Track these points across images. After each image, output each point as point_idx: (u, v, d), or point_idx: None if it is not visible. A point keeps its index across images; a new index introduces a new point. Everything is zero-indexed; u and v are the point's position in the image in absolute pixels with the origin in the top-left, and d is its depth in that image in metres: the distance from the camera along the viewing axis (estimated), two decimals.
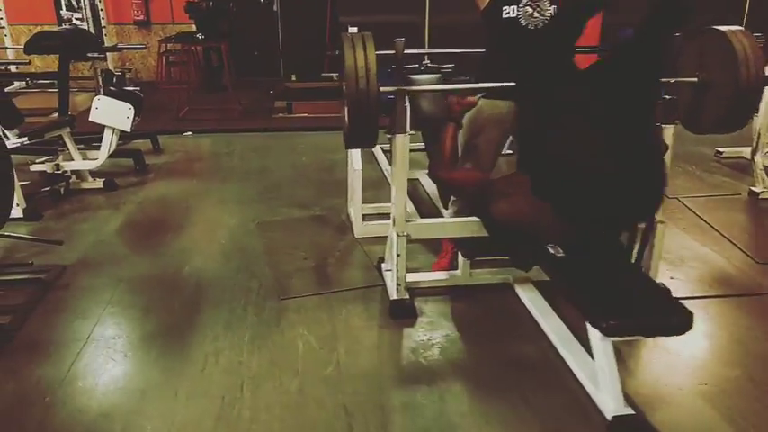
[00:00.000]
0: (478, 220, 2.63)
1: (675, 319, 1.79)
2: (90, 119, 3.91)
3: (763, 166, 4.14)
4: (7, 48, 6.88)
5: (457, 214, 2.95)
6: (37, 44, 4.30)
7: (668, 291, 2.36)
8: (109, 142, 3.97)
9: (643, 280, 2.23)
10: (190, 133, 5.75)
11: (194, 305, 2.73)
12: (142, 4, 7.96)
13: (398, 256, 2.60)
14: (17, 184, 3.54)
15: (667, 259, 3.09)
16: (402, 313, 2.63)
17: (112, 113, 3.87)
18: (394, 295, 2.67)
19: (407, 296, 2.68)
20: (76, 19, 7.53)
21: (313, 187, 4.30)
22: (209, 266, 3.10)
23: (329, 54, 7.23)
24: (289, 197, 4.09)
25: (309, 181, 4.44)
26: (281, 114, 6.42)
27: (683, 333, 1.80)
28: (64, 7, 7.62)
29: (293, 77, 6.44)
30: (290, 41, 8.52)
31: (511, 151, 3.34)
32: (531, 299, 2.70)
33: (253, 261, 3.15)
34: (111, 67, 6.98)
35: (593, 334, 2.02)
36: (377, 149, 4.98)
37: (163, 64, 7.80)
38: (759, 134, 4.14)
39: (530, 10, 2.46)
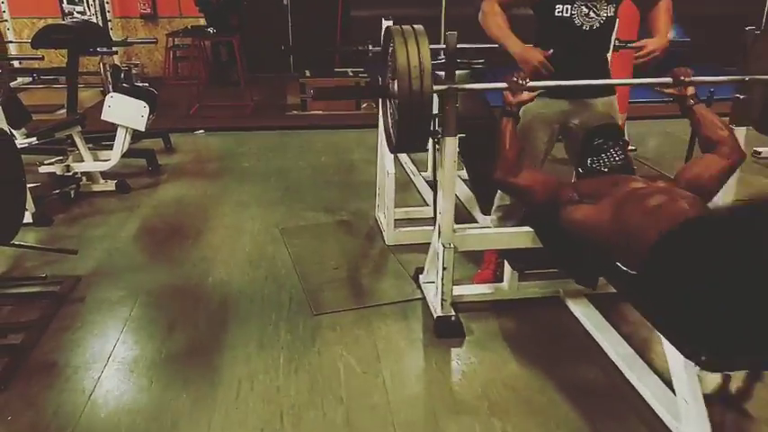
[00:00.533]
0: (531, 229, 2.43)
1: None
2: (102, 117, 3.70)
3: None
4: (11, 42, 6.65)
5: (501, 221, 2.74)
6: (45, 38, 4.08)
7: None
8: (122, 142, 3.76)
9: None
10: (202, 131, 5.53)
11: (221, 321, 2.52)
12: None
13: (445, 269, 2.39)
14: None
15: None
16: (449, 331, 2.42)
17: (126, 112, 3.65)
18: (439, 311, 2.47)
19: (453, 312, 2.47)
20: (78, 12, 7.31)
21: (336, 189, 4.09)
22: (234, 277, 2.89)
23: (344, 49, 7.01)
24: (312, 200, 3.88)
25: (331, 183, 4.23)
26: (294, 111, 6.20)
27: None
28: (65, 0, 7.40)
29: (307, 73, 6.20)
30: (301, 36, 8.31)
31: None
32: (585, 314, 2.50)
33: (280, 271, 2.94)
34: (117, 62, 6.78)
35: (676, 360, 1.81)
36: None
37: (170, 59, 7.56)
38: None
39: (585, 10, 2.29)
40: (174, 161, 4.68)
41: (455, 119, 2.26)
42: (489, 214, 3.19)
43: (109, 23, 7.61)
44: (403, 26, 2.11)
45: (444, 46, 2.21)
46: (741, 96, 2.39)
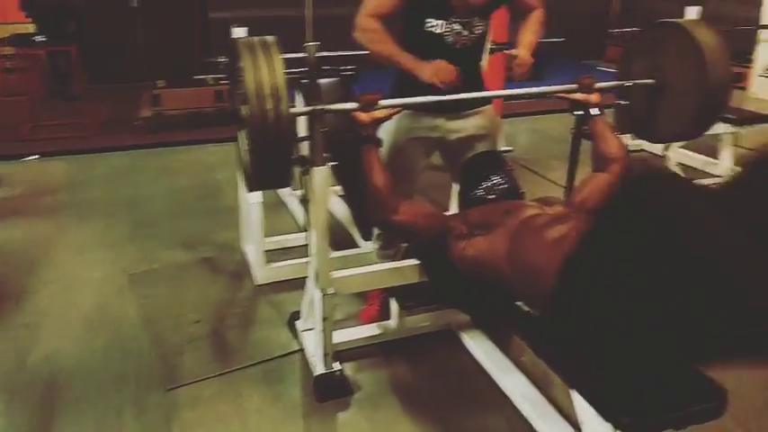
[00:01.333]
0: (417, 262, 2.13)
1: (711, 404, 1.38)
2: None
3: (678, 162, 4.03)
4: None
5: (384, 250, 2.44)
6: None
7: None
8: None
9: None
10: (36, 157, 4.73)
11: (46, 414, 1.98)
12: None
13: (325, 319, 2.03)
14: None
15: None
16: (333, 392, 2.07)
17: None
18: (320, 368, 2.10)
19: (337, 367, 2.11)
20: None
21: (198, 218, 3.58)
22: (65, 350, 2.33)
23: (203, 57, 6.40)
24: (168, 235, 3.34)
25: (192, 211, 3.70)
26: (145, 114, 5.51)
27: (719, 417, 1.41)
28: None
29: (160, 83, 5.55)
30: (154, 41, 7.55)
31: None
32: (483, 350, 2.26)
33: (127, 335, 2.43)
34: None
35: (590, 416, 1.58)
36: None
37: None
38: None
39: (458, 28, 2.07)
40: None
41: (323, 144, 1.90)
42: (369, 239, 2.89)
43: None
44: (252, 38, 1.71)
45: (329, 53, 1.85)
46: (622, 102, 2.25)
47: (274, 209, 3.45)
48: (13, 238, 3.32)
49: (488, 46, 2.91)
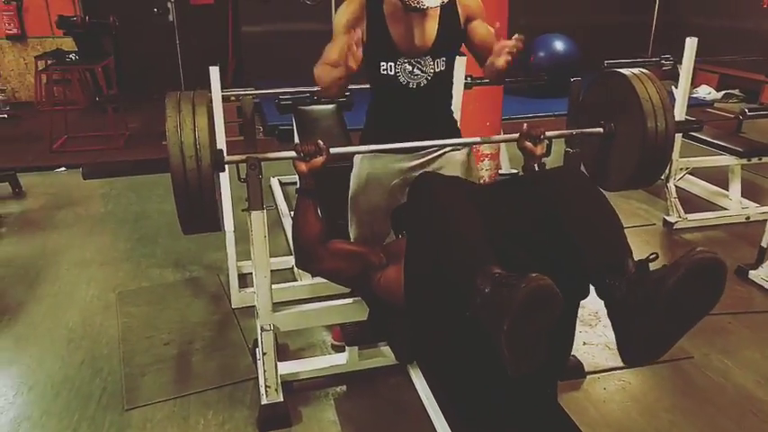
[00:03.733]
0: (357, 300, 2.22)
1: None
2: None
3: (677, 194, 3.94)
4: None
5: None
6: None
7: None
8: None
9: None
10: (63, 169, 5.06)
11: (13, 427, 2.17)
12: (15, 15, 7.09)
13: (265, 354, 2.14)
14: None
15: (582, 318, 2.78)
16: (273, 423, 2.18)
17: None
18: (264, 399, 2.22)
19: (281, 398, 2.22)
20: None
21: (194, 237, 3.72)
22: (45, 363, 2.53)
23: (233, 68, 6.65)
24: (163, 253, 3.54)
25: None
26: None
27: None
28: None
29: None
30: (189, 54, 7.88)
31: None
32: (422, 388, 2.31)
33: (102, 351, 2.61)
34: None
35: None
36: (274, 181, 4.51)
37: (41, 83, 6.96)
38: (671, 160, 3.92)
39: (409, 68, 2.10)
40: (19, 209, 4.22)
41: (261, 191, 2.01)
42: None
43: None
44: (180, 93, 1.84)
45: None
46: (571, 150, 2.26)
47: (270, 228, 3.58)
48: (24, 251, 3.59)
49: (462, 83, 2.94)
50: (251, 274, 3.05)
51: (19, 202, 4.35)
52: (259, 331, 2.15)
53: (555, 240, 1.62)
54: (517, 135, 2.10)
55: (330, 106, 3.89)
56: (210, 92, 2.78)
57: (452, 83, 2.30)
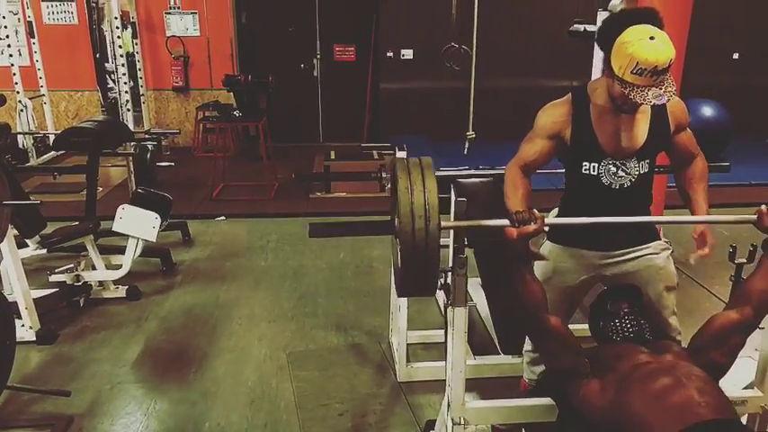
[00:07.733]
0: (551, 402, 2.19)
1: None
2: (113, 228, 3.63)
3: None
4: (34, 133, 6.69)
5: (533, 366, 2.50)
6: (66, 140, 4.09)
7: None
8: (133, 251, 3.68)
9: None
10: (223, 218, 5.47)
11: None
12: (181, 70, 7.86)
13: None
14: (31, 303, 3.27)
15: None
16: None
17: (137, 223, 3.58)
18: None
19: None
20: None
21: (351, 298, 3.92)
22: (232, 424, 2.71)
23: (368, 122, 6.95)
24: (324, 314, 3.71)
25: (347, 289, 4.05)
26: (318, 193, 6.12)
27: None
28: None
29: (332, 155, 6.13)
30: (330, 107, 8.32)
31: None
32: None
33: (281, 416, 2.76)
34: (148, 127, 6.92)
35: None
36: None
37: (199, 132, 7.63)
38: None
39: (613, 169, 2.12)
40: (190, 257, 4.59)
41: (465, 283, 2.05)
42: (508, 353, 2.98)
43: (142, 97, 7.77)
44: (408, 159, 1.93)
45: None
46: None
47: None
48: (200, 300, 3.90)
49: None
50: (414, 344, 3.15)
51: (188, 251, 4.73)
52: (450, 423, 2.17)
53: None
54: (754, 216, 1.96)
55: (487, 179, 3.92)
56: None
57: (653, 184, 2.28)
